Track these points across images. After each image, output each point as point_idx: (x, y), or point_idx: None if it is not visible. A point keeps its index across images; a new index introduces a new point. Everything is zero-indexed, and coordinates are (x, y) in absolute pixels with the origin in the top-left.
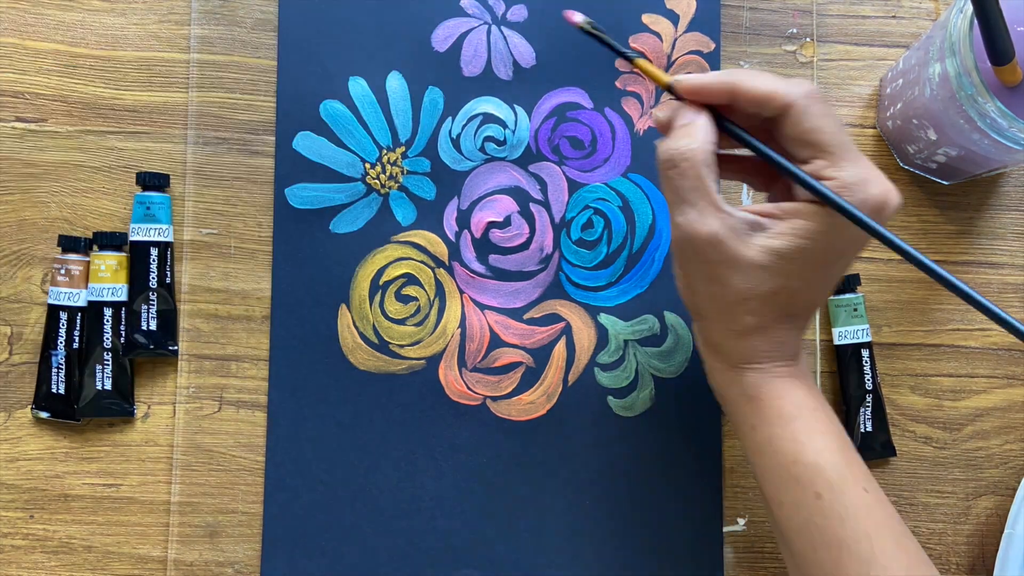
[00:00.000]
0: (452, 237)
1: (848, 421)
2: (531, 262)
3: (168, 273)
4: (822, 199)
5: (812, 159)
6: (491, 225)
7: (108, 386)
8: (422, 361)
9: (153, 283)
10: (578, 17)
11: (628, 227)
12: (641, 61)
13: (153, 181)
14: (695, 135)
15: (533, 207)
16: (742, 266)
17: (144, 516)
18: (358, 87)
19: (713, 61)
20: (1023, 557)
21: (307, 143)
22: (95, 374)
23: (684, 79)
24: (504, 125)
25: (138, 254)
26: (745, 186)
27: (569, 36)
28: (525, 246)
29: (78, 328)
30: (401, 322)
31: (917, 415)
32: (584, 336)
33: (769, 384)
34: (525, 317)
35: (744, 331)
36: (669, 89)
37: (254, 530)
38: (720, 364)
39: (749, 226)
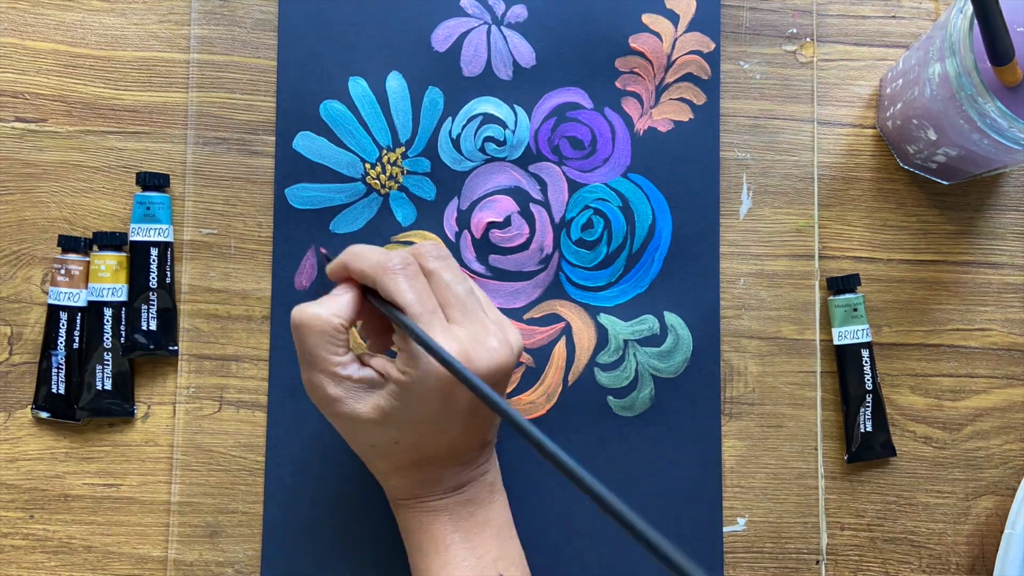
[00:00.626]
0: (452, 237)
1: (848, 421)
2: (531, 262)
3: (168, 273)
4: (414, 339)
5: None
6: (491, 225)
7: (108, 386)
8: None
9: (153, 283)
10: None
11: (628, 227)
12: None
13: (153, 181)
14: (327, 305)
15: (533, 207)
16: (360, 422)
17: (144, 516)
18: (358, 87)
19: (713, 61)
20: (1023, 557)
21: (307, 143)
22: (95, 374)
23: (328, 266)
24: (504, 125)
25: (138, 254)
26: (744, 186)
27: (569, 36)
28: (525, 246)
29: (78, 328)
30: None
31: (917, 415)
32: (584, 336)
33: (413, 519)
34: (525, 317)
35: (383, 473)
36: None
37: (254, 530)
38: (388, 498)
39: (367, 384)
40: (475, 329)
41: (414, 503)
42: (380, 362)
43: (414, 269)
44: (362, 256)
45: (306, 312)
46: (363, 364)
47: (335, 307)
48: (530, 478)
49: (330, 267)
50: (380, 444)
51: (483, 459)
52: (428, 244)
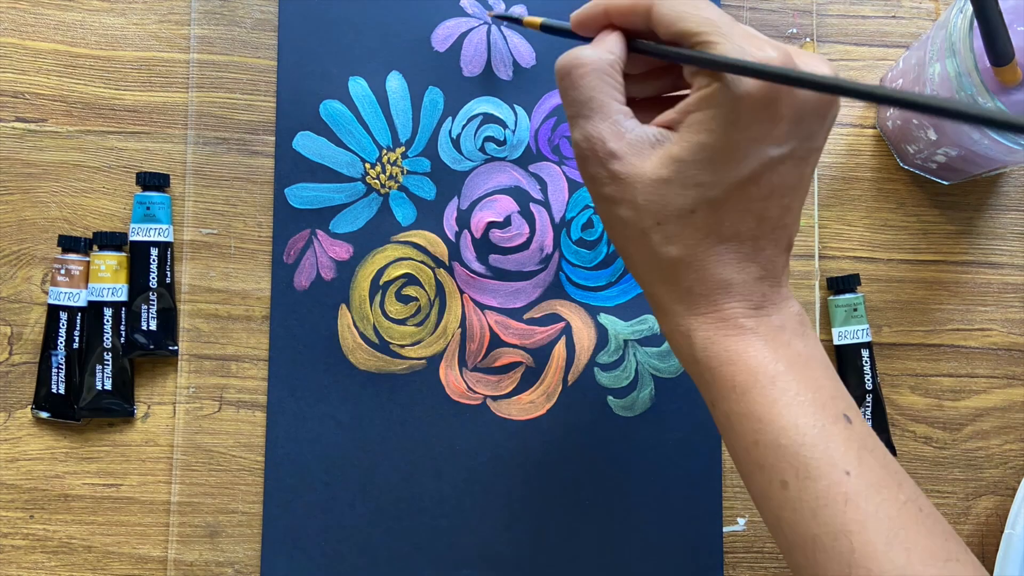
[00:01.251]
0: (452, 237)
1: None
2: (531, 262)
3: (168, 273)
4: (719, 68)
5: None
6: (491, 225)
7: (108, 386)
8: (422, 361)
9: (153, 283)
10: (531, 18)
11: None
12: (530, 19)
13: (153, 181)
14: (598, 46)
15: (533, 207)
16: (644, 183)
17: (144, 516)
18: (358, 87)
19: None
20: (1023, 557)
21: (307, 143)
22: (95, 374)
23: (574, 15)
24: (504, 125)
25: (138, 254)
26: None
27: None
28: (525, 246)
29: (78, 328)
30: (401, 322)
31: (917, 415)
32: (584, 336)
33: (717, 346)
34: (525, 317)
35: (671, 268)
36: (568, 33)
37: (254, 530)
38: (669, 327)
39: (653, 140)
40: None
41: (714, 321)
42: (666, 114)
43: None
44: None
45: (578, 52)
46: (644, 122)
47: (609, 46)
48: (530, 478)
49: (578, 15)
50: (672, 213)
51: (784, 277)
52: None
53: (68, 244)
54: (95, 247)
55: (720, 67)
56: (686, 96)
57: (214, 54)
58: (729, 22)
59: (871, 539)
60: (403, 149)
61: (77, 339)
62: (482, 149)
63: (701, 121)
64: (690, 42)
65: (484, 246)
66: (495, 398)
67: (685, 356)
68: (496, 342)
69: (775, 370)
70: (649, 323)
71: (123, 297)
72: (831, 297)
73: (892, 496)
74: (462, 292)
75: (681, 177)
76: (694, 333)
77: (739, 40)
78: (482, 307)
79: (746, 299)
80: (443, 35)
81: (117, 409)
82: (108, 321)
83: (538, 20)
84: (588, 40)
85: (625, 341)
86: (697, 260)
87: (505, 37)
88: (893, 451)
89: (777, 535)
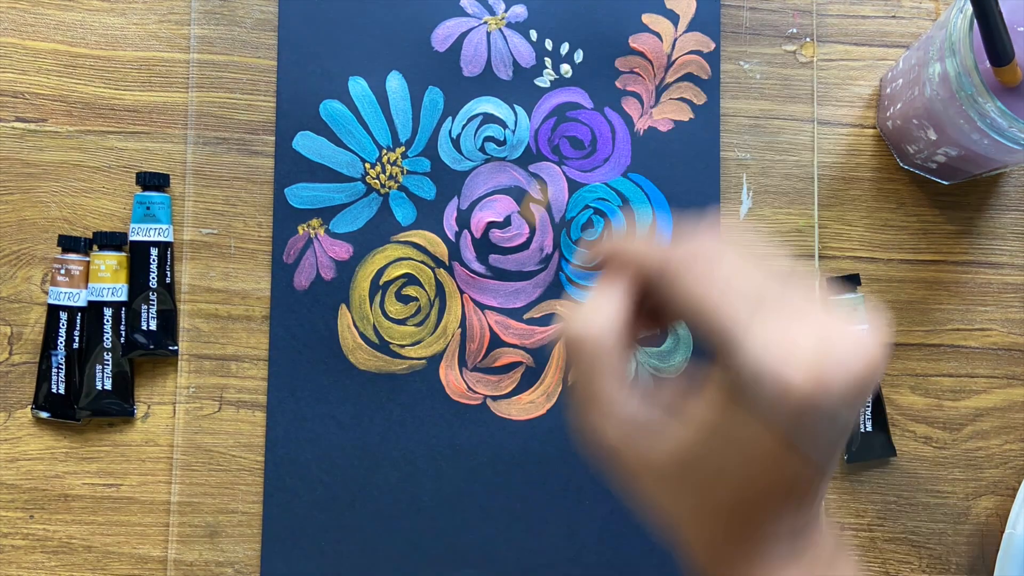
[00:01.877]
0: (452, 237)
1: None
2: (531, 262)
3: (168, 273)
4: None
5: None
6: (491, 225)
7: (108, 386)
8: (422, 361)
9: (153, 283)
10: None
11: (628, 227)
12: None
13: (153, 181)
14: (600, 308)
15: (533, 207)
16: (657, 474)
17: (144, 516)
18: (358, 87)
19: (713, 61)
20: (1023, 557)
21: (307, 143)
22: (95, 374)
23: (579, 256)
24: (504, 125)
25: (138, 254)
26: (744, 186)
27: (569, 36)
28: (525, 246)
29: (78, 328)
30: (401, 322)
31: (917, 415)
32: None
33: None
34: (525, 317)
35: (695, 539)
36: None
37: (254, 530)
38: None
39: (656, 425)
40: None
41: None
42: (681, 380)
43: (724, 251)
44: (636, 240)
45: (588, 323)
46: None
47: (618, 319)
48: (530, 478)
49: (583, 255)
50: (684, 495)
51: (822, 489)
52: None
53: (68, 244)
54: (95, 247)
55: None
56: None
57: (214, 54)
58: (754, 307)
59: None
60: (403, 149)
61: (77, 339)
62: (482, 149)
63: (701, 423)
64: (701, 333)
65: (484, 246)
66: (495, 398)
67: None
68: (496, 342)
69: None
70: None
71: (123, 297)
72: (831, 297)
73: None
74: (462, 292)
75: (692, 470)
76: None
77: (764, 342)
78: (482, 307)
79: (779, 535)
80: (443, 35)
81: (117, 409)
82: (108, 321)
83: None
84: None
85: None
86: (716, 519)
87: (505, 37)
88: (893, 451)
89: None
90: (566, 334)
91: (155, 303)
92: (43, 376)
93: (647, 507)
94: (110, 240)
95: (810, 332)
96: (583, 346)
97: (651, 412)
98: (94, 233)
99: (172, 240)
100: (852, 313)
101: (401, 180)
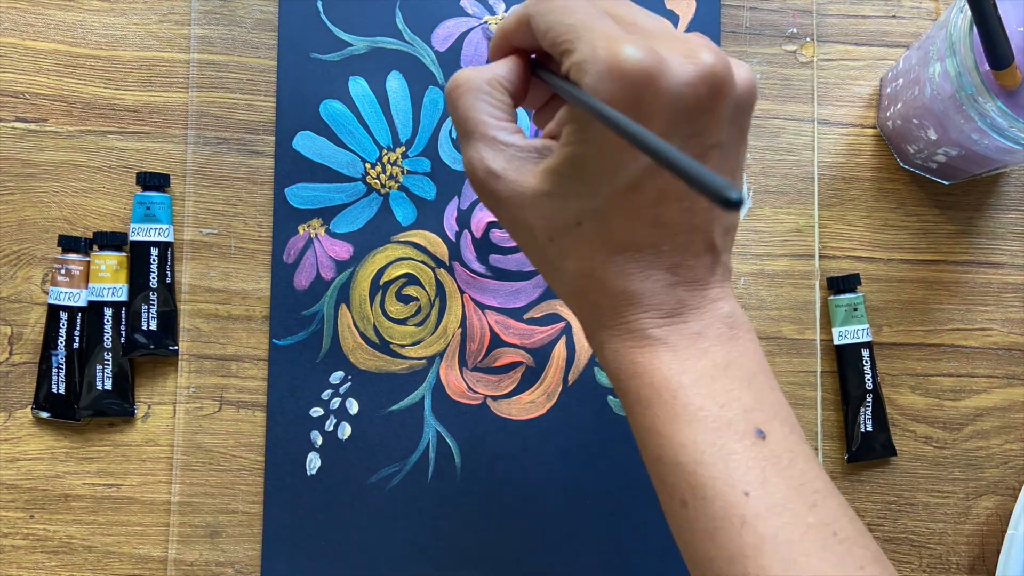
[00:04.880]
0: (452, 237)
1: (848, 421)
2: None
3: (168, 273)
4: (563, 95)
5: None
6: (491, 225)
7: (108, 386)
8: (423, 361)
9: (153, 283)
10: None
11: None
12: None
13: (153, 181)
14: (484, 67)
15: None
16: (528, 199)
17: (144, 516)
18: (358, 87)
19: None
20: None
21: (307, 143)
22: (95, 374)
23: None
24: None
25: (138, 254)
26: (745, 186)
27: None
28: None
29: (78, 328)
30: (402, 322)
31: (917, 415)
32: (584, 336)
33: (624, 359)
34: (525, 317)
35: (574, 283)
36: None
37: (254, 530)
38: (589, 343)
39: (536, 154)
40: (666, 41)
41: (621, 333)
42: (549, 126)
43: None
44: (512, 13)
45: (457, 73)
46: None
47: (494, 67)
48: (530, 478)
49: (491, 44)
50: (561, 226)
51: (712, 278)
52: None
53: (68, 244)
54: (95, 247)
55: (574, 100)
56: None
57: (214, 54)
58: (590, 20)
59: (766, 564)
60: (403, 149)
61: (77, 339)
62: None
63: (570, 132)
64: (557, 52)
65: (484, 246)
66: (495, 398)
67: (605, 370)
68: (496, 342)
69: (678, 383)
70: None
71: (123, 297)
72: (831, 297)
73: (798, 519)
74: (462, 292)
75: (561, 191)
76: (604, 346)
77: (597, 41)
78: (482, 307)
79: (655, 308)
80: (443, 35)
81: (117, 409)
82: (108, 321)
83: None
84: None
85: None
86: (595, 273)
87: None
88: (893, 451)
89: (682, 554)
90: (450, 81)
91: (155, 303)
92: (43, 376)
93: (528, 245)
94: (110, 240)
95: (633, 41)
96: (464, 84)
97: (531, 140)
98: (94, 233)
99: (172, 240)
100: (851, 314)
101: (401, 180)
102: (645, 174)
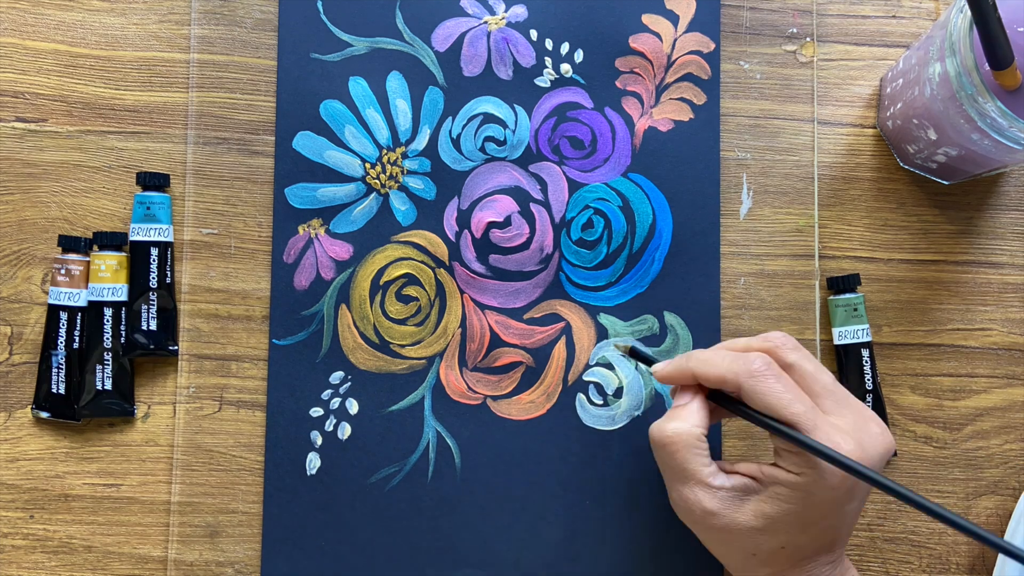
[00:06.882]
0: (452, 237)
1: None
2: (531, 262)
3: (168, 273)
4: (809, 450)
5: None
6: (491, 225)
7: (108, 386)
8: (423, 361)
9: (153, 283)
10: (619, 342)
11: (628, 227)
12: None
13: (153, 181)
14: (685, 418)
15: (533, 207)
16: (741, 531)
17: (144, 516)
18: (358, 87)
19: (713, 61)
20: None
21: (307, 143)
22: (95, 374)
23: (660, 369)
24: (504, 125)
25: (138, 254)
26: (744, 186)
27: (569, 36)
28: (525, 246)
29: (78, 328)
30: (402, 322)
31: (917, 415)
32: (584, 336)
33: None
34: (525, 317)
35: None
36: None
37: (254, 530)
38: None
39: (742, 491)
40: (855, 418)
41: None
42: (747, 466)
43: (777, 368)
44: (712, 362)
45: (669, 429)
46: (728, 471)
47: (693, 418)
48: (530, 478)
49: (665, 370)
50: (763, 551)
51: (845, 545)
52: (777, 335)
53: (68, 244)
54: (95, 247)
55: (813, 452)
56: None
57: (214, 54)
58: (813, 410)
59: None
60: (403, 149)
61: (77, 339)
62: (482, 149)
63: (789, 495)
64: (782, 422)
65: (484, 246)
66: (495, 398)
67: None
68: (496, 342)
69: None
70: (649, 323)
71: (123, 297)
72: (831, 297)
73: None
74: (462, 292)
75: (772, 528)
76: None
77: (829, 430)
78: (482, 307)
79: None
80: (443, 35)
81: (117, 409)
82: (108, 321)
83: (627, 345)
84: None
85: None
86: (786, 573)
87: (505, 37)
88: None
89: None
90: (662, 436)
91: (155, 303)
92: (43, 376)
93: (726, 556)
94: (110, 240)
95: (849, 433)
96: (680, 440)
97: (735, 480)
98: (94, 233)
99: (172, 240)
100: (853, 317)
101: (401, 180)
102: (842, 514)
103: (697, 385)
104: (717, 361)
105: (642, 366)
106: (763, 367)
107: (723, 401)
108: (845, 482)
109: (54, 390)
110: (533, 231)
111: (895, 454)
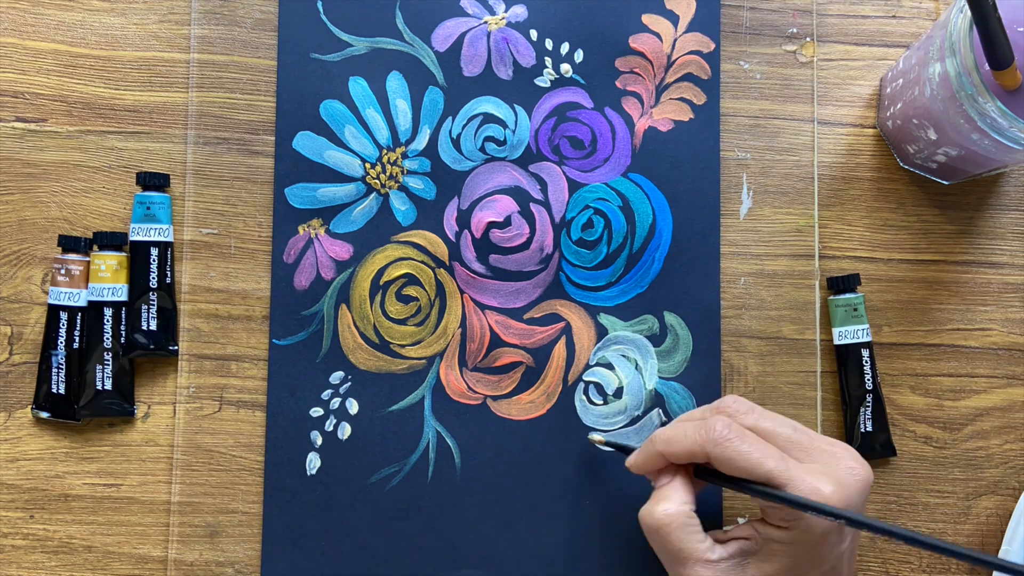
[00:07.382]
0: (452, 237)
1: (848, 421)
2: (531, 262)
3: (168, 273)
4: (787, 504)
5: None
6: (491, 225)
7: (108, 386)
8: (423, 361)
9: (153, 283)
10: (596, 436)
11: (628, 227)
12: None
13: (153, 181)
14: (670, 497)
15: (533, 207)
16: None
17: (144, 516)
18: (358, 87)
19: (713, 61)
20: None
21: (307, 143)
22: (95, 374)
23: (631, 461)
24: (504, 125)
25: (138, 254)
26: (744, 186)
27: (569, 36)
28: (525, 246)
29: (78, 328)
30: (402, 322)
31: (917, 415)
32: (584, 336)
33: None
34: (525, 317)
35: None
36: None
37: (254, 530)
38: None
39: (740, 557)
40: (826, 459)
41: None
42: (740, 529)
43: (739, 428)
44: (676, 440)
45: (658, 512)
46: (723, 541)
47: (678, 496)
48: (530, 478)
49: (636, 461)
50: None
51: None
52: (728, 400)
53: (68, 244)
54: (95, 247)
55: (792, 504)
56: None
57: (214, 54)
58: (784, 461)
59: None
60: (403, 149)
61: (77, 339)
62: (482, 149)
63: (784, 549)
64: (758, 481)
65: (484, 246)
66: (495, 398)
67: None
68: (496, 342)
69: None
70: (649, 323)
71: (123, 297)
72: (831, 297)
73: None
74: (462, 292)
75: None
76: None
77: (805, 477)
78: (482, 307)
79: None
80: (443, 35)
81: (117, 409)
82: (108, 321)
83: (602, 439)
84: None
85: None
86: None
87: (505, 37)
88: (893, 451)
89: None
90: (653, 522)
91: (155, 303)
92: (43, 376)
93: None
94: (110, 240)
95: (826, 476)
96: (673, 523)
97: (731, 548)
98: (94, 233)
99: (172, 240)
100: (852, 317)
101: (401, 180)
102: (837, 554)
103: (672, 464)
104: (680, 437)
105: (642, 368)
106: (725, 431)
107: (700, 473)
108: (832, 524)
109: (54, 390)
110: (533, 231)
111: (894, 454)
